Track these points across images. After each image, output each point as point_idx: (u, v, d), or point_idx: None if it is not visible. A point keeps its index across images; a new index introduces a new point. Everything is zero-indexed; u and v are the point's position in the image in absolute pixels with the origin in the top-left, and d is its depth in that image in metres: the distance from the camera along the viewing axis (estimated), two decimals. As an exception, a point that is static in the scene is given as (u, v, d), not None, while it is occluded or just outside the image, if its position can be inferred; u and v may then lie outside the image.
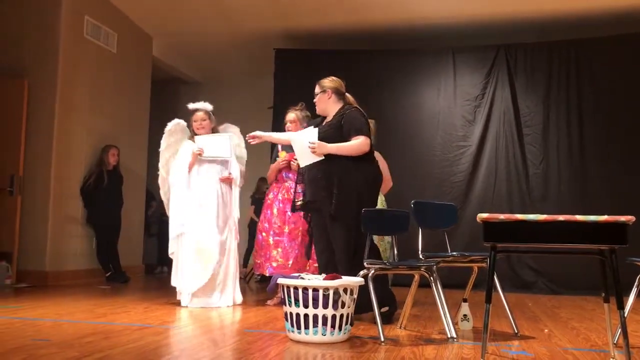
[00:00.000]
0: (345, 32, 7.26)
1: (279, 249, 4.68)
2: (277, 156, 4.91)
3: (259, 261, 4.79)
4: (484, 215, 2.56)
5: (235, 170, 4.76)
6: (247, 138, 4.23)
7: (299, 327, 3.04)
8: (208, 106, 4.80)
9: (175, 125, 4.78)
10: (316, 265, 4.67)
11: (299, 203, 4.11)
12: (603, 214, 2.49)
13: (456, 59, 7.04)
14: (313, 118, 4.88)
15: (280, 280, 3.16)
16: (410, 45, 7.29)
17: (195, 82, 9.12)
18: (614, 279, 2.51)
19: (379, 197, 4.80)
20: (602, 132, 6.52)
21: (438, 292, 3.36)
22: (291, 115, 4.86)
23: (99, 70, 6.71)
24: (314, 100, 4.12)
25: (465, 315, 3.66)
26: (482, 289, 2.83)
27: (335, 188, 3.72)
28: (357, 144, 3.79)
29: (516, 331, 3.46)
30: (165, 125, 4.85)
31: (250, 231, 7.16)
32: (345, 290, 3.05)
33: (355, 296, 3.16)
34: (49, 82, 6.06)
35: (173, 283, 4.57)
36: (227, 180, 4.68)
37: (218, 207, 4.59)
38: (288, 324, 3.10)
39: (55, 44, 6.10)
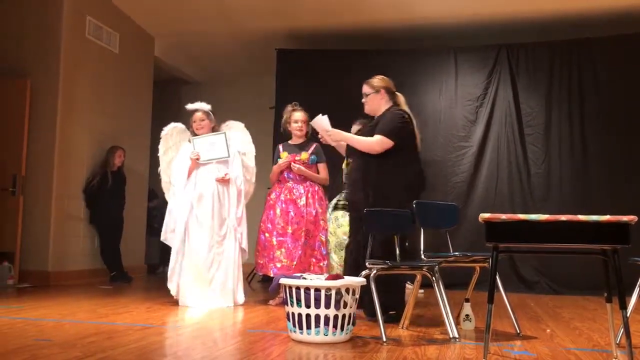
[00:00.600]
0: (347, 32, 7.26)
1: (283, 250, 4.68)
2: (279, 157, 4.91)
3: (261, 261, 4.79)
4: (486, 215, 2.55)
5: (237, 169, 4.74)
6: (321, 136, 4.16)
7: (301, 327, 3.04)
8: (206, 106, 4.81)
9: (171, 129, 4.80)
10: (320, 265, 4.69)
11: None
12: (605, 214, 2.49)
13: (458, 58, 7.03)
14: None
15: (283, 281, 3.16)
16: (412, 45, 7.28)
17: (197, 82, 9.13)
18: (616, 279, 2.51)
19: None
20: (604, 131, 6.51)
21: (440, 292, 3.36)
22: (301, 115, 4.88)
23: (100, 70, 6.71)
24: (363, 100, 4.10)
25: (467, 315, 3.66)
26: (484, 289, 2.83)
27: (370, 190, 3.76)
28: (368, 140, 3.82)
29: (518, 331, 3.45)
30: (166, 124, 4.86)
31: None
32: (347, 290, 3.05)
33: (357, 296, 3.16)
34: (51, 83, 6.06)
35: (169, 286, 4.56)
36: (223, 181, 4.66)
37: (213, 207, 4.58)
38: (290, 324, 3.10)
39: (57, 44, 6.10)
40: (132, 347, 2.81)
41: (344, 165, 4.90)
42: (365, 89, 4.07)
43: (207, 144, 4.67)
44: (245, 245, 4.73)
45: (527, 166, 6.66)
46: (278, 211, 4.77)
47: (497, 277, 2.84)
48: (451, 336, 3.21)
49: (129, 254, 6.84)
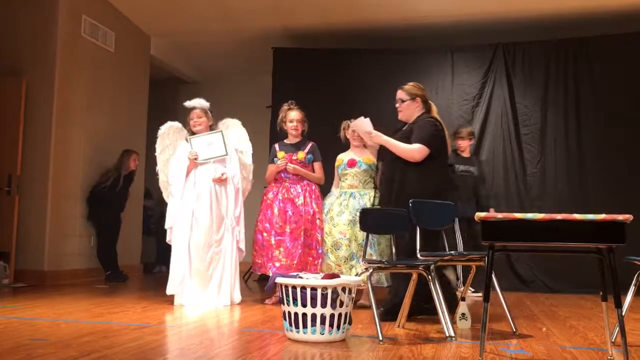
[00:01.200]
0: (344, 31, 7.26)
1: (281, 249, 4.68)
2: (275, 156, 4.91)
3: (259, 261, 4.78)
4: (482, 214, 2.56)
5: (234, 167, 4.74)
6: (368, 134, 4.18)
7: (297, 326, 3.04)
8: (204, 103, 4.80)
9: (168, 127, 4.79)
10: (315, 263, 4.69)
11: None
12: (601, 213, 2.50)
13: (454, 57, 7.04)
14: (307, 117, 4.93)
15: (279, 280, 3.16)
16: (409, 44, 7.29)
17: (194, 81, 9.12)
18: (612, 277, 2.51)
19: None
20: (600, 131, 6.53)
21: (436, 291, 3.36)
22: (297, 114, 4.88)
23: (96, 69, 6.70)
24: (397, 106, 4.19)
25: (463, 314, 3.66)
26: (480, 287, 2.83)
27: (394, 194, 3.85)
28: (408, 148, 3.90)
29: (514, 330, 3.46)
30: (163, 123, 4.85)
31: None
32: (343, 289, 3.05)
33: (353, 295, 3.16)
34: (46, 82, 6.05)
35: (169, 291, 4.53)
36: (220, 181, 4.65)
37: (212, 206, 4.58)
38: (286, 323, 3.10)
39: (52, 43, 6.09)
40: (128, 347, 2.80)
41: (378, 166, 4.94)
42: (402, 95, 4.17)
43: (204, 143, 4.66)
44: (243, 244, 4.73)
45: (523, 165, 6.68)
46: (276, 210, 4.76)
47: (493, 275, 2.85)
48: (447, 335, 3.22)
49: (124, 253, 6.83)
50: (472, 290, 5.49)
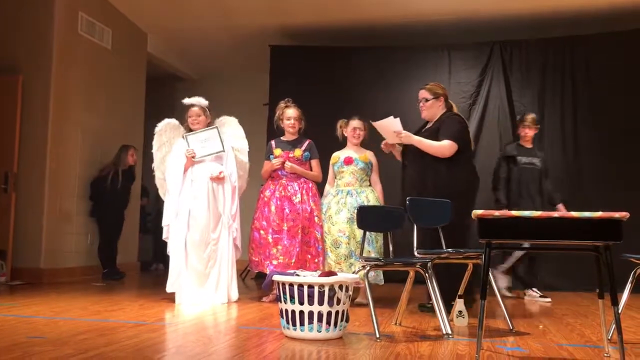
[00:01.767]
0: (341, 28, 7.25)
1: (279, 247, 4.67)
2: (272, 153, 4.90)
3: (256, 259, 4.77)
4: (479, 211, 2.56)
5: (231, 165, 4.74)
6: (397, 135, 4.14)
7: (294, 324, 3.04)
8: (203, 101, 4.79)
9: (165, 125, 4.78)
10: (315, 261, 4.70)
11: None
12: (598, 211, 2.50)
13: (451, 55, 7.03)
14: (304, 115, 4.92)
15: (276, 277, 3.16)
16: (406, 42, 7.28)
17: (191, 79, 9.10)
18: (608, 275, 2.52)
19: (373, 194, 4.82)
20: (597, 128, 6.53)
21: (433, 289, 3.37)
22: (294, 112, 4.88)
23: (93, 66, 6.68)
24: (421, 105, 4.28)
25: (460, 312, 3.67)
26: (477, 285, 2.84)
27: (430, 194, 3.87)
28: (439, 145, 3.99)
29: (511, 327, 3.47)
30: (160, 121, 4.85)
31: None
32: (340, 287, 3.06)
33: (350, 293, 3.17)
34: (43, 79, 6.03)
35: (169, 289, 4.52)
36: (217, 180, 4.64)
37: (209, 204, 4.57)
38: (283, 321, 3.11)
39: (49, 41, 6.07)
40: (126, 344, 2.80)
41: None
42: (425, 94, 4.25)
43: (200, 140, 4.65)
44: (239, 242, 4.73)
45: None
46: (273, 208, 4.76)
47: (490, 273, 2.85)
48: (444, 332, 3.22)
49: (122, 251, 6.83)
50: (539, 294, 5.36)
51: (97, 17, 6.70)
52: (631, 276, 3.13)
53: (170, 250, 4.57)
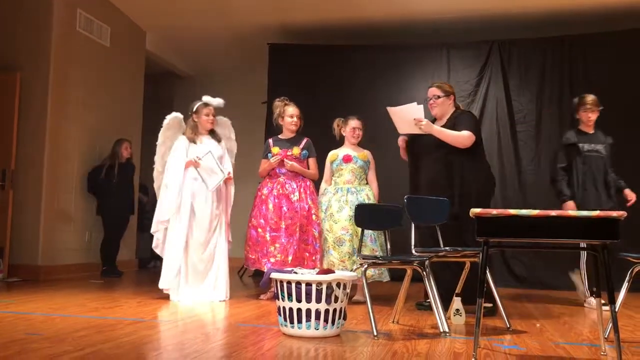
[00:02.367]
0: (340, 27, 7.25)
1: (277, 245, 4.67)
2: (270, 152, 4.90)
3: (253, 257, 4.77)
4: (477, 210, 2.56)
5: (228, 166, 4.79)
6: (417, 122, 4.11)
7: (292, 322, 3.04)
8: (222, 103, 4.81)
9: (172, 119, 4.78)
10: (313, 259, 4.70)
11: None
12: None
13: (450, 54, 7.04)
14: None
15: (274, 275, 3.16)
16: (405, 41, 7.29)
17: (189, 77, 9.10)
18: (605, 274, 2.53)
19: (370, 193, 4.82)
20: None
21: (431, 287, 3.37)
22: (296, 110, 4.88)
23: (91, 64, 6.67)
24: (431, 102, 4.31)
25: (457, 310, 3.67)
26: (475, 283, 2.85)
27: (457, 188, 3.94)
28: (460, 135, 4.04)
29: (508, 325, 3.47)
30: (158, 118, 4.84)
31: None
32: (338, 284, 3.06)
33: (348, 290, 3.17)
34: (41, 76, 6.02)
35: (162, 285, 4.52)
36: (227, 180, 4.70)
37: (212, 204, 4.60)
38: (281, 319, 3.11)
39: (47, 38, 6.06)
40: (123, 341, 2.80)
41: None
42: (437, 91, 4.29)
43: (209, 170, 4.64)
44: (229, 235, 4.78)
45: (519, 162, 6.69)
46: (270, 206, 4.75)
47: (487, 271, 2.85)
48: (441, 330, 3.23)
49: (120, 248, 6.82)
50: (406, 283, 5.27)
51: (96, 15, 6.69)
52: (628, 275, 3.13)
53: (169, 246, 4.55)
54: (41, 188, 5.96)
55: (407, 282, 3.59)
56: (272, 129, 5.29)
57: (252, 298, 4.81)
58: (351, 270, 4.44)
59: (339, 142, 5.02)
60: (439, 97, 4.26)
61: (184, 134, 4.74)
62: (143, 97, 7.75)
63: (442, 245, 3.71)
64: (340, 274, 3.13)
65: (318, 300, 3.00)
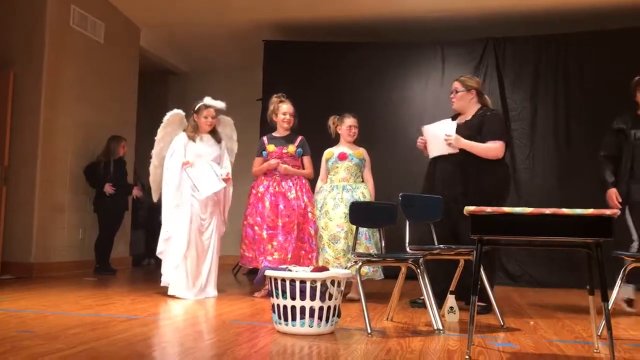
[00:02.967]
0: (335, 24, 7.24)
1: (274, 243, 4.66)
2: (264, 150, 4.88)
3: (249, 255, 4.76)
4: (471, 208, 2.56)
5: (228, 166, 4.81)
6: (447, 138, 4.05)
7: (286, 319, 3.04)
8: (223, 106, 4.79)
9: (173, 115, 4.77)
10: (309, 257, 4.69)
11: None
12: (589, 207, 2.51)
13: (445, 52, 7.04)
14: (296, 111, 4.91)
15: (268, 273, 3.16)
16: (400, 38, 7.28)
17: (184, 73, 9.07)
18: (599, 271, 2.53)
19: (366, 191, 4.82)
20: (589, 126, 6.54)
21: (425, 285, 3.37)
22: (290, 107, 4.86)
23: (86, 60, 6.64)
24: (452, 96, 4.26)
25: (451, 308, 3.68)
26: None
27: (471, 187, 3.92)
28: (493, 148, 4.00)
29: (502, 323, 3.48)
30: (152, 115, 4.83)
31: None
32: (332, 282, 3.06)
33: (342, 288, 3.17)
34: (35, 73, 5.99)
35: (166, 280, 4.52)
36: (226, 181, 4.71)
37: (212, 204, 4.63)
38: (275, 316, 3.10)
39: (41, 34, 6.03)
40: (117, 339, 2.80)
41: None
42: (458, 86, 4.25)
43: (203, 178, 4.63)
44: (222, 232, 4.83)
45: (513, 160, 6.69)
46: (267, 204, 4.74)
47: (481, 269, 2.86)
48: (435, 328, 3.23)
49: (114, 245, 6.79)
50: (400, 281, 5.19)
51: (90, 11, 6.66)
52: (621, 273, 3.14)
53: (171, 242, 4.54)
54: (34, 185, 5.94)
55: (401, 280, 3.59)
56: (267, 126, 5.27)
57: (246, 295, 4.80)
58: (345, 268, 4.44)
59: (334, 140, 5.02)
60: (457, 91, 4.22)
61: (184, 130, 4.73)
62: (137, 94, 7.72)
63: (436, 243, 3.72)
64: (334, 272, 3.13)
65: (312, 298, 3.00)
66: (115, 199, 6.56)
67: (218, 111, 4.79)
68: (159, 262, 4.70)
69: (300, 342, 2.85)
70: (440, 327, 3.23)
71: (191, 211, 4.55)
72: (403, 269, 3.57)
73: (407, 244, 3.55)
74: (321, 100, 6.76)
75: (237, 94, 8.22)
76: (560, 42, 6.78)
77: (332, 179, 4.88)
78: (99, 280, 5.70)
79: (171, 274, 4.50)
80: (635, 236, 4.19)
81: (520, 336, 3.17)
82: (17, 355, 2.38)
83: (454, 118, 4.34)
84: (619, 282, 3.18)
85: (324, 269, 3.20)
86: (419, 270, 3.37)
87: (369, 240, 4.68)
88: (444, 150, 4.05)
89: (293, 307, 3.01)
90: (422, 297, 3.76)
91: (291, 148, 4.84)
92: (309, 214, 4.76)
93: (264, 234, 4.69)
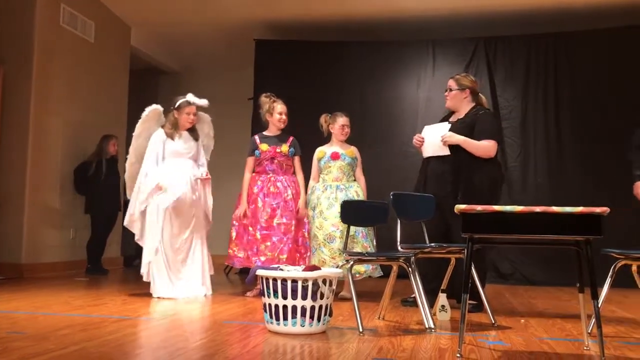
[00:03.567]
0: (326, 23, 7.24)
1: (267, 243, 4.65)
2: (257, 149, 4.86)
3: (241, 255, 4.74)
4: (462, 206, 2.57)
5: (205, 164, 4.82)
6: (442, 137, 4.07)
7: (277, 319, 3.04)
8: (206, 104, 4.78)
9: (152, 111, 4.74)
10: (305, 257, 4.70)
11: None
12: (579, 205, 2.52)
13: (435, 51, 7.06)
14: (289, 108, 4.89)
15: (260, 272, 3.15)
16: (390, 37, 7.29)
17: (174, 72, 9.04)
18: (588, 269, 2.55)
19: (359, 190, 4.83)
20: (580, 124, 6.60)
21: (416, 283, 3.38)
22: (284, 107, 4.86)
23: (76, 59, 6.61)
24: (446, 94, 4.28)
25: (443, 306, 3.69)
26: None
27: (462, 185, 3.91)
28: (485, 146, 4.02)
29: (493, 321, 3.49)
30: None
31: None
32: (324, 281, 3.06)
33: (334, 287, 3.17)
34: (24, 72, 5.95)
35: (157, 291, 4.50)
36: (204, 180, 4.71)
37: (190, 200, 4.60)
38: (267, 315, 3.10)
39: (30, 33, 5.99)
40: (107, 339, 2.79)
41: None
42: (452, 84, 4.27)
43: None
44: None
45: (504, 159, 6.72)
46: (260, 204, 4.73)
47: (472, 268, 2.87)
48: (427, 326, 3.24)
49: (107, 245, 6.77)
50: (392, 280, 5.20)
51: (80, 10, 6.62)
52: (611, 270, 3.16)
53: (152, 246, 4.52)
54: (24, 184, 5.90)
55: (392, 279, 3.59)
56: (259, 125, 5.26)
57: (238, 295, 4.80)
58: (337, 267, 4.44)
59: (325, 139, 5.01)
60: (451, 90, 4.25)
61: (162, 127, 4.70)
62: (128, 92, 7.69)
63: (427, 242, 3.73)
64: (325, 271, 3.13)
65: (304, 297, 3.00)
66: (108, 199, 6.53)
67: (199, 108, 4.78)
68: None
69: (292, 342, 2.85)
70: (432, 326, 3.24)
71: (163, 211, 4.52)
72: (394, 268, 3.58)
73: (398, 243, 3.56)
74: (312, 99, 6.76)
75: (228, 93, 8.23)
76: (550, 41, 6.81)
77: (324, 178, 4.87)
78: (91, 281, 5.67)
79: (148, 273, 4.49)
80: None
81: (511, 334, 3.19)
82: (7, 357, 2.37)
83: (447, 117, 4.35)
84: (608, 279, 3.20)
85: (315, 268, 3.20)
86: (410, 269, 3.38)
87: (365, 238, 4.68)
88: (438, 152, 4.08)
89: (285, 307, 3.01)
90: (413, 296, 3.77)
91: (284, 147, 4.83)
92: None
93: (258, 234, 4.68)
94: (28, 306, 3.85)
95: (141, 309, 3.91)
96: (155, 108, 4.76)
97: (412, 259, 3.39)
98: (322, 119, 4.99)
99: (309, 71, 7.23)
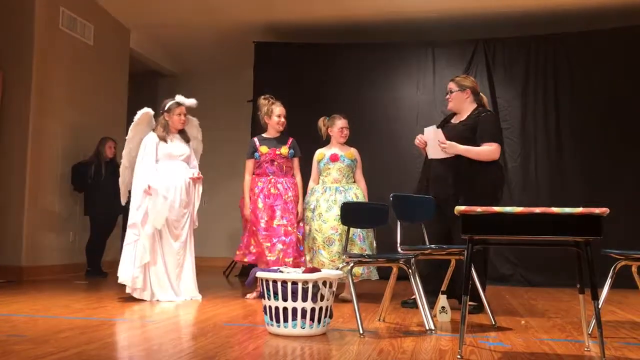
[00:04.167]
0: (325, 25, 7.25)
1: (268, 244, 4.65)
2: (256, 151, 4.86)
3: (255, 250, 4.72)
4: (462, 207, 2.57)
5: (196, 166, 4.82)
6: (441, 144, 4.04)
7: (278, 321, 3.04)
8: (195, 103, 4.78)
9: (143, 114, 4.74)
10: (302, 259, 4.69)
11: None
12: (578, 206, 2.52)
13: (435, 53, 7.06)
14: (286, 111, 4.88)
15: (260, 274, 3.15)
16: (390, 39, 7.30)
17: (174, 75, 9.04)
18: (589, 270, 2.55)
19: (359, 192, 4.82)
20: (579, 125, 6.60)
21: (416, 285, 3.38)
22: (283, 110, 4.86)
23: (75, 62, 6.61)
24: (447, 97, 4.26)
25: (443, 308, 3.69)
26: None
27: (464, 189, 3.90)
28: (488, 151, 4.00)
29: (493, 323, 3.49)
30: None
31: None
32: (324, 283, 3.06)
33: (334, 289, 3.17)
34: (23, 75, 5.96)
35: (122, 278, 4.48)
36: (196, 180, 4.71)
37: (181, 202, 4.59)
38: (267, 318, 3.10)
39: (29, 36, 5.99)
40: (107, 342, 2.78)
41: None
42: (452, 86, 4.24)
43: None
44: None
45: (504, 160, 6.72)
46: (260, 205, 4.72)
47: (472, 269, 2.87)
48: (427, 328, 3.24)
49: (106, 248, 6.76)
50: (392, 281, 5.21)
51: (79, 13, 6.63)
52: (611, 271, 3.16)
53: (146, 250, 4.50)
54: (24, 188, 5.90)
55: (393, 280, 3.59)
56: (258, 127, 5.25)
57: (238, 297, 4.79)
58: (337, 269, 4.43)
59: (324, 141, 5.01)
60: (452, 91, 4.22)
61: (154, 130, 4.71)
62: (127, 95, 7.69)
63: (427, 243, 3.73)
64: (325, 273, 3.13)
65: (304, 299, 3.00)
66: (107, 202, 6.51)
67: (188, 110, 4.78)
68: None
69: (292, 344, 2.84)
70: (432, 327, 3.24)
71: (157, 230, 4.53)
72: (394, 270, 3.58)
73: (398, 245, 3.55)
74: (311, 101, 6.77)
75: (227, 96, 8.25)
76: (550, 42, 6.82)
77: (324, 180, 4.87)
78: (90, 284, 5.67)
79: (132, 278, 4.45)
80: None
81: (512, 335, 3.18)
82: (7, 360, 2.37)
83: (449, 118, 4.34)
84: (608, 280, 3.20)
85: (315, 270, 3.20)
86: (410, 271, 3.38)
87: (362, 241, 4.68)
88: (441, 154, 4.05)
89: (285, 309, 3.01)
90: (413, 297, 3.77)
91: (284, 149, 4.83)
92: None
93: (259, 235, 4.69)
94: (28, 309, 3.85)
95: (141, 311, 3.91)
96: (147, 112, 4.76)
97: (412, 260, 3.39)
98: (321, 122, 4.98)
99: (308, 73, 7.23)
